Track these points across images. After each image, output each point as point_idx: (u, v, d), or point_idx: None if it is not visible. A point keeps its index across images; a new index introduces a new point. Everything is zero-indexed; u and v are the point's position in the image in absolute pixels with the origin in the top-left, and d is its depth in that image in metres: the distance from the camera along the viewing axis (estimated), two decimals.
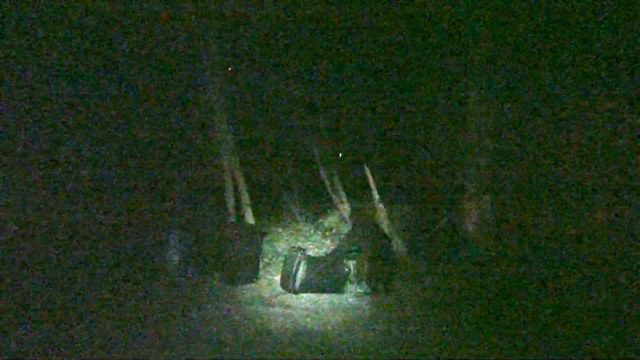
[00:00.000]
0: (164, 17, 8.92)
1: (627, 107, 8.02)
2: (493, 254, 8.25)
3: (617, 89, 8.08)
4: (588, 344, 5.45)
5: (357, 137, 10.30)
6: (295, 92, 9.63)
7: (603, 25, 8.08)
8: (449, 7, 8.82)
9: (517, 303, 6.73)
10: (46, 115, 9.07)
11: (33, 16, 8.79)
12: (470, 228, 8.59)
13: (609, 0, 8.05)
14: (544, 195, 8.58)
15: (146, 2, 8.82)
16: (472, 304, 6.79)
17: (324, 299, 7.13)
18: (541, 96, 8.65)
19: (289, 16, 9.02)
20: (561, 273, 7.55)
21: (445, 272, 7.87)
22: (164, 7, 8.88)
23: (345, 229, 9.22)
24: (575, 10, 8.19)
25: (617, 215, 7.93)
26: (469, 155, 8.73)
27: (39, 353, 5.19)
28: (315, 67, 9.65)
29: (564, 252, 7.99)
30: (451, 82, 9.37)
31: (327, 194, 9.70)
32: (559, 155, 8.59)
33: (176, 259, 8.03)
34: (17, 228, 8.45)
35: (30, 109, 8.96)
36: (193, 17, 8.94)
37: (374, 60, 9.87)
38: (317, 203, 9.96)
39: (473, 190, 8.64)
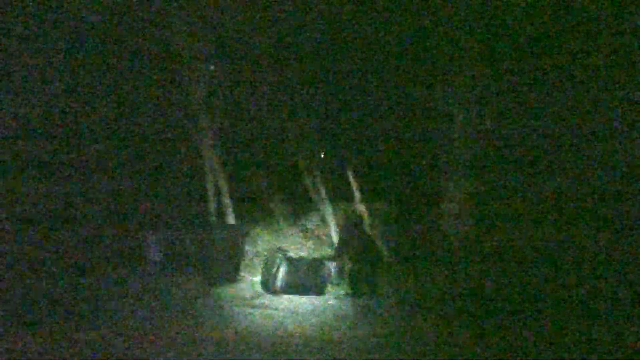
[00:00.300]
0: (148, 15, 8.83)
1: (617, 111, 8.14)
2: (474, 255, 8.32)
3: (606, 93, 8.18)
4: (574, 343, 5.52)
5: (339, 137, 10.31)
6: (278, 94, 9.61)
7: (590, 31, 8.16)
8: (434, 10, 8.85)
9: (499, 304, 6.78)
10: (25, 116, 8.95)
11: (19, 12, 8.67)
12: (452, 229, 8.67)
13: (600, 3, 8.13)
14: (526, 197, 8.67)
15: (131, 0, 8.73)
16: (453, 306, 6.84)
17: (305, 300, 7.14)
18: (526, 99, 8.74)
19: (273, 18, 8.99)
20: (543, 273, 7.61)
21: (427, 273, 7.93)
22: (149, 5, 8.79)
23: (327, 229, 9.25)
24: (559, 15, 8.27)
25: (602, 219, 8.02)
26: (452, 156, 8.81)
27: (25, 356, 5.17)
28: (298, 69, 9.64)
29: (545, 253, 8.07)
30: (435, 83, 9.41)
31: (309, 194, 9.71)
32: (540, 158, 8.69)
33: (157, 259, 7.97)
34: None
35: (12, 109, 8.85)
36: (177, 16, 8.86)
37: (357, 62, 9.89)
38: (298, 203, 9.96)
39: (455, 192, 8.72)
